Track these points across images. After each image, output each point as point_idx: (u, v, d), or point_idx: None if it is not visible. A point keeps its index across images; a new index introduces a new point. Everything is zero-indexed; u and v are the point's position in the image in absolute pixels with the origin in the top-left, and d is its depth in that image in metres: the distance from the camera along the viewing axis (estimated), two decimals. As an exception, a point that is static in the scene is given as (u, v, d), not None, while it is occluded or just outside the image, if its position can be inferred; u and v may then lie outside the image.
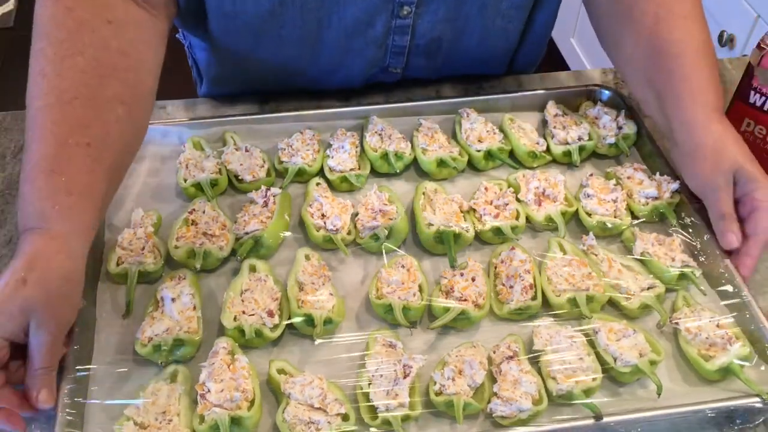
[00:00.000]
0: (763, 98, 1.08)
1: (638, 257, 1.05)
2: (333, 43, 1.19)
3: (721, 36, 2.05)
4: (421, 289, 0.99)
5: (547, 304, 0.99)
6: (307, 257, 1.02)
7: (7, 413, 0.82)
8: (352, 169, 1.14)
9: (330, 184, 1.14)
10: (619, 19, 1.16)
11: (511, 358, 0.92)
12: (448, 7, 1.17)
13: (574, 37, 3.13)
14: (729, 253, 1.02)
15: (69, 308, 0.86)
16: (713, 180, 1.03)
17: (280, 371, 0.91)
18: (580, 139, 1.19)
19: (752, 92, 1.09)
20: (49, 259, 0.83)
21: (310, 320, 0.94)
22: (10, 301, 0.81)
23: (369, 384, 0.89)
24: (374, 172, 1.17)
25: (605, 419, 0.87)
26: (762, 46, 1.06)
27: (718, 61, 1.11)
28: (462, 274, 1.00)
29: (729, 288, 1.00)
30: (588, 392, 0.89)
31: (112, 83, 0.94)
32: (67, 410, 0.86)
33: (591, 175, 1.15)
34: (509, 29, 1.26)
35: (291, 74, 1.26)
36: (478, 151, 1.17)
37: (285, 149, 1.16)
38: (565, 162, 1.20)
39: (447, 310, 0.96)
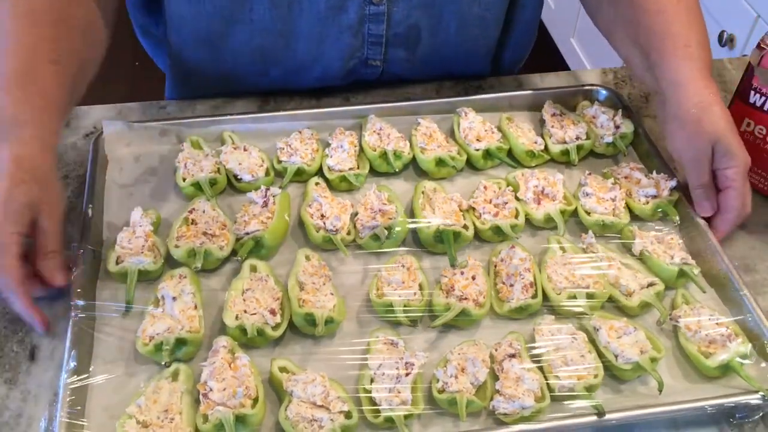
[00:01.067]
0: (763, 98, 1.08)
1: (638, 255, 1.05)
2: (307, 31, 1.19)
3: (721, 36, 2.06)
4: (421, 288, 0.99)
5: (547, 302, 0.99)
6: (308, 257, 1.02)
7: (38, 309, 0.93)
8: (351, 169, 1.15)
9: (329, 184, 1.14)
10: None
11: (512, 355, 0.92)
12: None
13: (574, 37, 3.15)
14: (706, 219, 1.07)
15: (59, 195, 0.97)
16: (694, 147, 1.04)
17: (282, 369, 0.91)
18: (577, 138, 1.19)
19: (752, 92, 1.09)
20: (35, 158, 0.93)
21: (311, 320, 0.94)
22: (16, 198, 0.90)
23: (371, 382, 0.89)
24: (373, 172, 1.17)
25: (607, 416, 0.87)
26: (762, 46, 1.06)
27: (704, 20, 1.12)
28: (462, 273, 1.00)
29: (728, 286, 1.01)
30: (589, 389, 0.89)
31: (77, 8, 1.04)
32: (68, 409, 0.86)
33: (589, 173, 1.15)
34: (487, 18, 1.27)
35: (267, 66, 1.25)
36: (477, 150, 1.17)
37: (284, 149, 1.16)
38: (563, 161, 1.20)
39: (448, 308, 0.96)
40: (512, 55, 1.37)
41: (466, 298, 0.96)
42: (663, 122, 1.11)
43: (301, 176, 1.15)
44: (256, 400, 0.87)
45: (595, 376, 0.90)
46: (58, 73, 0.99)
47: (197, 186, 1.10)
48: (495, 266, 1.04)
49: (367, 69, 1.28)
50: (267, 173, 1.14)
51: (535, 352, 0.93)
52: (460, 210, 1.09)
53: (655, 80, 1.10)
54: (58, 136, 1.00)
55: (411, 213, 1.10)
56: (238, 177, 1.13)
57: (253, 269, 1.00)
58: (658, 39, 1.08)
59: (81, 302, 0.95)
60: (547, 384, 0.90)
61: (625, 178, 1.14)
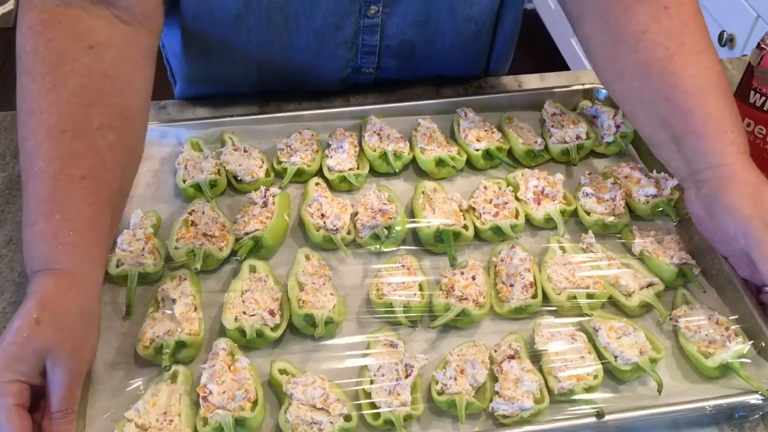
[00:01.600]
0: (763, 98, 1.08)
1: (637, 255, 1.05)
2: (303, 46, 1.19)
3: (721, 36, 2.05)
4: (421, 288, 0.99)
5: (547, 302, 0.99)
6: (307, 257, 1.02)
7: None
8: (350, 169, 1.15)
9: (329, 184, 1.14)
10: (622, 53, 1.05)
11: (512, 357, 0.92)
12: (417, 11, 1.17)
13: (574, 37, 3.14)
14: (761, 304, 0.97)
15: (86, 346, 0.85)
16: (757, 218, 0.92)
17: (282, 371, 0.91)
18: (578, 138, 1.19)
19: (752, 92, 1.09)
20: (61, 296, 0.82)
21: (311, 321, 0.94)
22: (26, 343, 0.79)
23: (371, 383, 0.89)
24: (373, 172, 1.17)
25: (606, 417, 0.87)
26: (762, 46, 1.06)
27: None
28: (462, 273, 1.00)
29: (728, 286, 1.00)
30: (589, 390, 0.89)
31: (99, 110, 0.92)
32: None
33: (589, 173, 1.15)
34: (482, 31, 1.26)
35: (264, 75, 1.25)
36: (477, 150, 1.17)
37: (284, 149, 1.16)
38: (564, 161, 1.20)
39: (448, 308, 0.96)
40: (498, 61, 1.37)
41: (466, 299, 0.96)
42: (703, 202, 0.99)
43: (301, 177, 1.15)
44: (255, 403, 0.87)
45: (595, 377, 0.90)
46: (87, 189, 0.88)
47: (197, 187, 1.10)
48: (495, 266, 1.04)
49: (360, 76, 1.29)
50: (267, 174, 1.14)
51: (534, 352, 0.93)
52: (460, 210, 1.09)
53: (686, 162, 1.01)
54: (102, 265, 0.90)
55: (411, 213, 1.10)
56: (239, 178, 1.13)
57: (253, 269, 1.01)
58: (697, 122, 0.98)
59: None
60: (547, 385, 0.90)
61: (625, 177, 1.14)
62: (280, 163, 1.15)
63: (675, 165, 1.04)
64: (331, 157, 1.15)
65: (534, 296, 0.98)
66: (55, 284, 0.83)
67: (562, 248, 1.05)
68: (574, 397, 0.89)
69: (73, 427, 0.81)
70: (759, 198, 0.94)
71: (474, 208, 1.10)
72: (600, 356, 0.93)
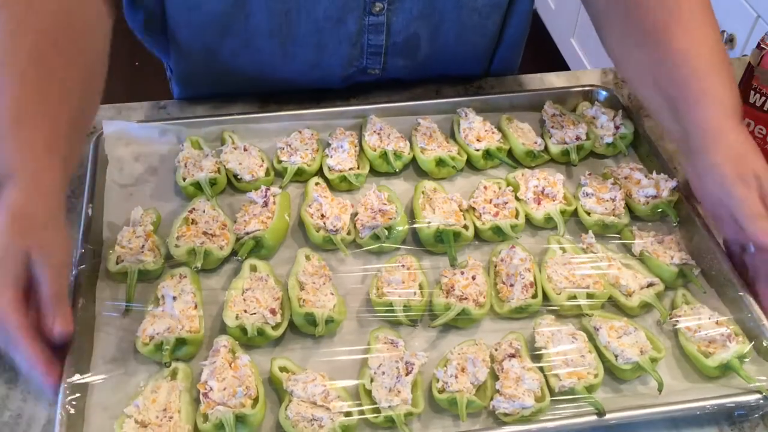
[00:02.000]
0: (763, 98, 1.09)
1: (638, 255, 1.05)
2: (305, 40, 1.19)
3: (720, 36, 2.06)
4: (421, 288, 0.99)
5: (547, 302, 0.99)
6: (308, 257, 1.02)
7: (48, 359, 0.82)
8: (351, 169, 1.14)
9: (329, 184, 1.14)
10: (623, 20, 1.10)
11: (513, 355, 0.92)
12: (422, 5, 1.17)
13: (574, 37, 3.15)
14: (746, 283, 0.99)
15: (58, 242, 0.87)
16: (741, 181, 0.96)
17: (282, 369, 0.91)
18: (577, 138, 1.19)
19: (752, 92, 1.10)
20: (29, 204, 0.85)
21: (311, 319, 0.94)
22: (9, 250, 0.82)
23: (371, 381, 0.89)
24: (373, 172, 1.17)
25: (607, 416, 0.87)
26: (762, 46, 1.07)
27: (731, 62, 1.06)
28: (462, 273, 1.00)
29: (728, 286, 1.00)
30: (590, 389, 0.89)
31: (66, 45, 0.95)
32: (68, 409, 0.85)
33: (589, 173, 1.15)
34: (487, 25, 1.26)
35: (265, 72, 1.25)
36: (477, 150, 1.17)
37: (284, 148, 1.16)
38: (563, 162, 1.20)
39: (448, 308, 0.96)
40: (504, 62, 1.37)
41: (466, 298, 0.96)
42: (696, 168, 1.02)
43: (301, 176, 1.15)
44: (256, 400, 0.87)
45: (595, 376, 0.90)
46: (62, 101, 0.92)
47: (197, 186, 1.10)
48: (495, 266, 1.04)
49: (364, 76, 1.29)
50: (267, 173, 1.14)
51: (535, 352, 0.93)
52: (460, 210, 1.09)
53: (681, 126, 1.03)
54: (63, 177, 0.91)
55: (411, 213, 1.10)
56: (238, 177, 1.13)
57: (253, 269, 1.01)
58: (692, 88, 1.02)
59: (81, 302, 0.95)
60: (547, 384, 0.90)
61: (625, 178, 1.14)
62: (280, 162, 1.15)
63: (669, 127, 1.07)
64: (332, 157, 1.15)
65: (534, 296, 0.98)
66: (25, 190, 0.86)
67: (562, 248, 1.05)
68: (575, 395, 0.89)
69: (66, 307, 0.84)
70: (742, 160, 0.97)
71: (474, 208, 1.10)
72: (600, 355, 0.93)
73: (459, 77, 1.35)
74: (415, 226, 1.06)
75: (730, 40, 2.05)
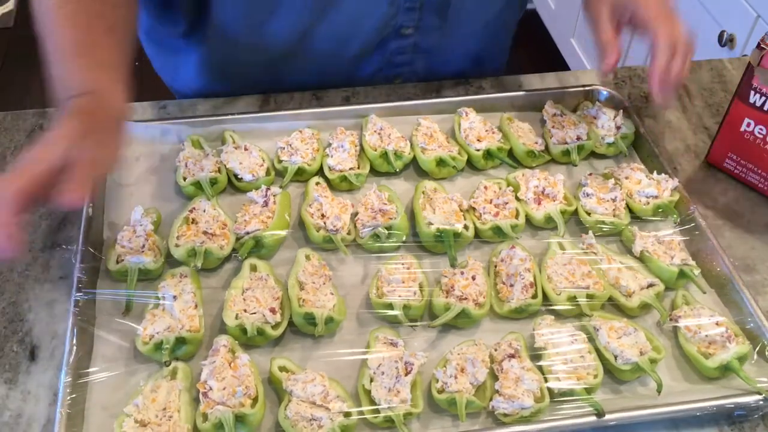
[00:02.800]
0: (763, 98, 1.08)
1: (638, 256, 1.05)
2: (345, 7, 1.18)
3: (721, 36, 2.05)
4: (421, 288, 0.99)
5: (547, 302, 0.99)
6: (308, 257, 1.02)
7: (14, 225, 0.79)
8: (351, 169, 1.15)
9: (329, 184, 1.14)
10: None
11: (512, 356, 0.92)
12: None
13: (574, 37, 3.14)
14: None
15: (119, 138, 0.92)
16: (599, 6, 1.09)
17: (282, 369, 0.91)
18: (578, 138, 1.19)
19: (752, 92, 1.09)
20: (96, 109, 0.91)
21: (311, 319, 0.94)
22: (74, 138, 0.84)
23: (371, 381, 0.89)
24: (373, 171, 1.17)
25: (606, 416, 0.87)
26: (762, 46, 1.06)
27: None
28: (462, 273, 1.00)
29: (728, 286, 1.01)
30: (589, 390, 0.89)
31: None
32: (68, 408, 0.86)
33: (590, 174, 1.15)
34: (505, 10, 1.29)
35: (305, 43, 1.24)
36: (477, 150, 1.17)
37: (284, 148, 1.16)
38: (564, 162, 1.20)
39: (448, 308, 0.96)
40: (493, 60, 1.39)
41: (466, 298, 0.96)
42: None
43: (301, 176, 1.15)
44: (255, 400, 0.87)
45: (595, 377, 0.90)
46: (116, 41, 1.00)
47: (198, 185, 1.10)
48: (495, 266, 1.04)
49: (398, 40, 1.28)
50: (267, 173, 1.14)
51: (534, 352, 0.93)
52: (461, 210, 1.09)
53: None
54: (123, 88, 0.98)
55: (411, 213, 1.10)
56: (239, 176, 1.13)
57: (253, 268, 1.01)
58: None
59: (81, 301, 0.95)
60: (547, 384, 0.90)
61: (626, 178, 1.14)
62: (280, 161, 1.15)
63: None
64: (332, 157, 1.15)
65: (534, 296, 0.98)
66: (90, 101, 0.91)
67: (563, 248, 1.05)
68: (574, 396, 0.89)
69: (88, 191, 0.84)
70: None
71: (474, 208, 1.10)
72: (600, 356, 0.93)
73: (460, 76, 1.35)
74: (415, 226, 1.06)
75: (730, 40, 2.05)
